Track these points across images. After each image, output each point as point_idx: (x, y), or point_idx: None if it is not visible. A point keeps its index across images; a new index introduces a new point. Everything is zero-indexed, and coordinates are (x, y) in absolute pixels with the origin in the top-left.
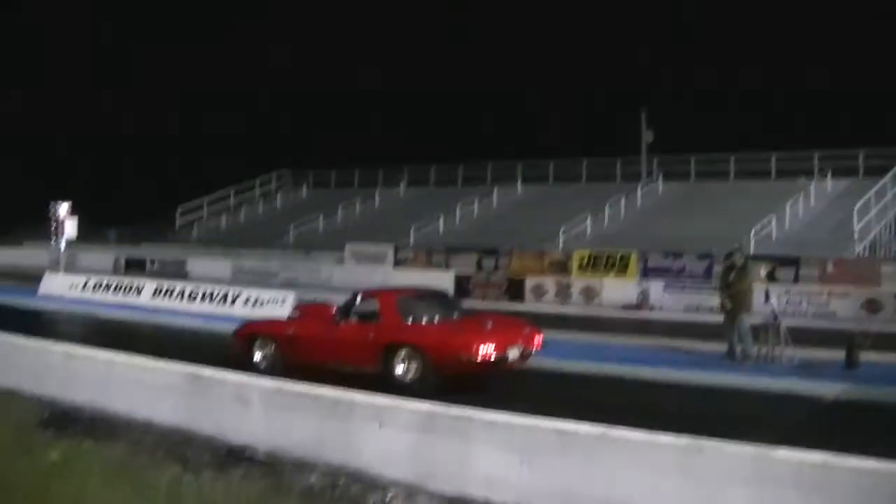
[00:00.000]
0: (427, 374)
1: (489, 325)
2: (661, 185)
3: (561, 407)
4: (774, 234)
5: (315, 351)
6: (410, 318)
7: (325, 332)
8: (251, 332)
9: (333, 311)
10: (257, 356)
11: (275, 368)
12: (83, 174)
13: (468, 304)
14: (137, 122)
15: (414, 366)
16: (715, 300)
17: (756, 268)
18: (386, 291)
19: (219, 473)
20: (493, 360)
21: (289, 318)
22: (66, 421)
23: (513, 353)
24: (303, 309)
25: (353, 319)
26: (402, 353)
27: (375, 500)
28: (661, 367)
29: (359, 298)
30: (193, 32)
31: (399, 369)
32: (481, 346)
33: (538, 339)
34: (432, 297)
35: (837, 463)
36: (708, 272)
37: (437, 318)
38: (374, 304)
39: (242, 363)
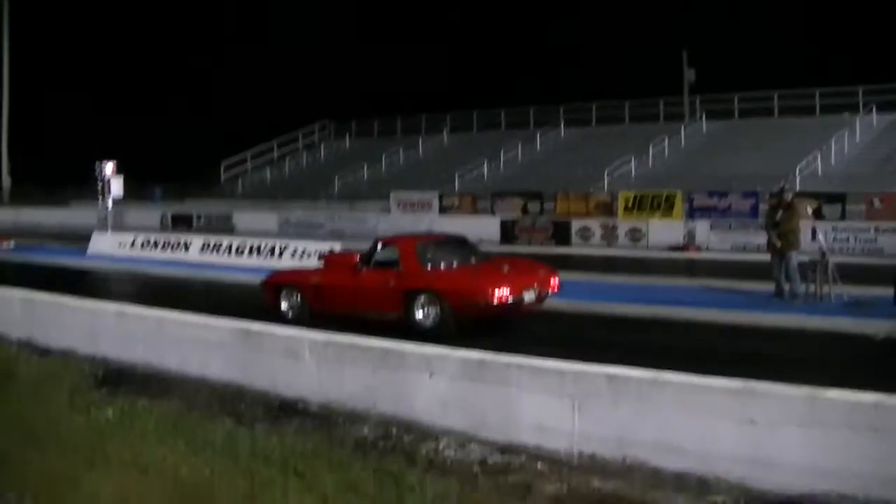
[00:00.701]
0: (446, 318)
1: (506, 269)
2: (704, 124)
3: (610, 351)
4: (820, 171)
5: (338, 299)
6: (429, 265)
7: (348, 281)
8: (277, 282)
9: (356, 260)
10: (284, 306)
11: (301, 318)
12: (128, 133)
13: (514, 249)
14: (179, 79)
15: (433, 311)
16: (761, 238)
17: (802, 205)
18: (405, 238)
19: (272, 427)
20: (509, 302)
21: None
22: (120, 379)
23: (529, 296)
24: (327, 258)
25: (375, 267)
26: (422, 298)
27: (428, 450)
28: (708, 307)
29: (379, 246)
30: None
31: (419, 314)
32: (497, 290)
33: (554, 281)
34: (451, 242)
35: (890, 403)
36: (754, 210)
37: (455, 263)
38: (393, 252)
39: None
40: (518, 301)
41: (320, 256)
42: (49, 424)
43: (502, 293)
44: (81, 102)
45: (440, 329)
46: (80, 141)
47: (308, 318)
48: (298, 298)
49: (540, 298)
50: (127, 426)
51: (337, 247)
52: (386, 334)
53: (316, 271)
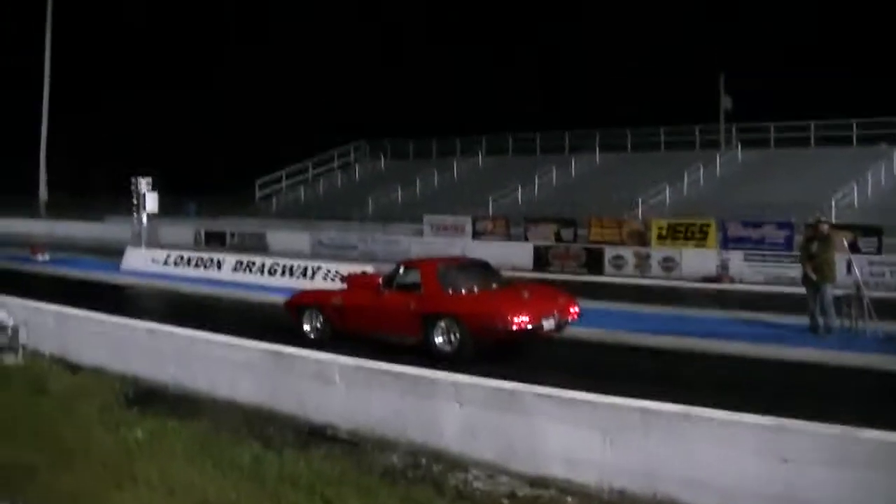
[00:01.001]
0: (465, 342)
1: (526, 295)
2: (739, 152)
3: (640, 382)
4: (856, 202)
5: (360, 321)
6: (450, 289)
7: (370, 302)
8: (300, 303)
9: (378, 282)
10: (306, 326)
11: (323, 338)
12: (163, 149)
13: (547, 276)
14: (215, 97)
15: (452, 335)
16: (796, 270)
17: (838, 237)
18: (427, 262)
19: (301, 451)
20: (528, 328)
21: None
22: (150, 398)
23: (548, 323)
24: (350, 279)
25: (397, 290)
26: (442, 322)
27: (457, 481)
28: (741, 340)
29: (401, 269)
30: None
31: (439, 338)
32: (516, 316)
33: (574, 309)
34: (473, 267)
35: None
36: (788, 241)
37: (476, 287)
38: (415, 275)
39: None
40: (537, 327)
41: (342, 278)
42: (78, 441)
43: (521, 319)
44: (119, 116)
45: (459, 353)
46: (116, 155)
47: (329, 339)
48: (321, 319)
49: (559, 326)
50: (155, 446)
51: (369, 269)
52: (409, 358)
53: (339, 292)
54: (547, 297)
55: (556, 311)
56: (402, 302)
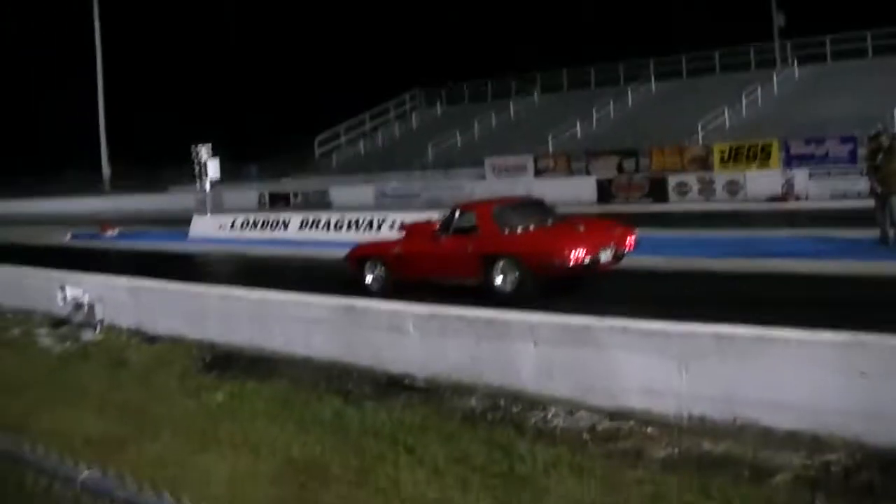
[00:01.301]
0: (525, 281)
1: (581, 229)
2: (796, 69)
3: (713, 307)
4: None
5: (419, 267)
6: (506, 229)
7: (428, 248)
8: (361, 255)
9: (436, 228)
10: (368, 278)
11: (385, 289)
12: (220, 114)
13: (611, 208)
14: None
15: (512, 274)
16: (863, 184)
17: None
18: (482, 204)
19: (380, 403)
20: (585, 262)
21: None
22: (227, 362)
23: (605, 255)
24: (408, 228)
25: (454, 234)
26: (500, 263)
27: (536, 419)
28: (811, 258)
29: (457, 213)
30: None
31: (498, 279)
32: (573, 250)
33: (631, 239)
34: (528, 205)
35: None
36: (853, 156)
37: (531, 226)
38: (471, 218)
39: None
40: (595, 260)
41: (401, 226)
42: (161, 409)
43: (578, 253)
44: (175, 86)
45: (520, 292)
46: (175, 124)
47: (392, 288)
48: (381, 269)
49: (616, 257)
50: (237, 408)
51: (434, 216)
52: (469, 300)
53: (397, 241)
54: (603, 229)
55: (612, 243)
56: (459, 245)
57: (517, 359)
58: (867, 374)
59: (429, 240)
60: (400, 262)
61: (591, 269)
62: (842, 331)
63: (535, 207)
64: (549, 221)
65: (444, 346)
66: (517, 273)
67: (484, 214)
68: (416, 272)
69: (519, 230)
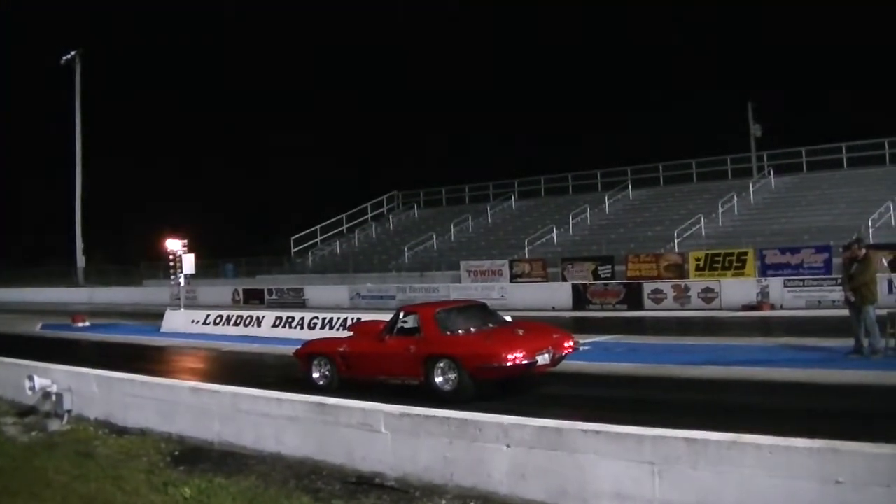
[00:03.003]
0: (465, 381)
1: (520, 333)
2: (772, 179)
3: (688, 414)
4: (894, 221)
5: (365, 366)
6: (448, 331)
7: (373, 348)
8: (309, 352)
9: (381, 328)
10: (315, 374)
11: (331, 385)
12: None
13: (587, 314)
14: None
15: (452, 375)
16: (837, 294)
17: (877, 257)
18: (425, 306)
19: (349, 502)
20: (523, 364)
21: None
22: (196, 457)
23: (542, 359)
24: (354, 327)
25: (398, 334)
26: (441, 363)
27: None
28: (786, 366)
29: (401, 315)
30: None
31: (439, 379)
32: (510, 353)
33: (568, 343)
34: (470, 309)
35: None
36: (827, 265)
37: (472, 329)
38: (415, 320)
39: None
40: (531, 363)
41: (348, 325)
42: (128, 503)
43: (515, 356)
44: (152, 183)
45: (459, 392)
46: (151, 220)
47: (337, 385)
48: (328, 366)
49: (554, 361)
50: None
51: (411, 318)
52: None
53: (344, 340)
54: (541, 333)
55: (550, 347)
56: (403, 346)
57: (490, 460)
58: (842, 483)
59: (374, 339)
60: (346, 360)
61: (529, 372)
62: (816, 438)
63: (477, 311)
64: (490, 325)
65: (416, 445)
66: (457, 374)
67: (427, 316)
68: (361, 370)
69: (460, 332)
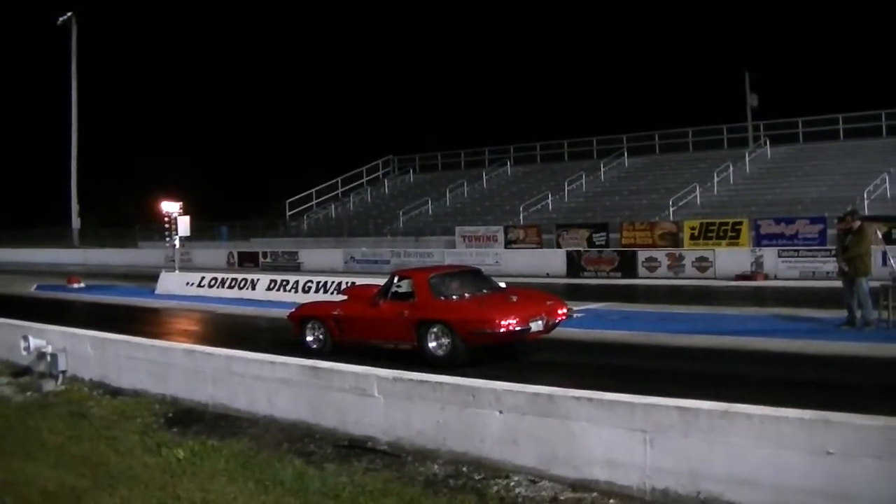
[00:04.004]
0: (457, 347)
1: (514, 300)
2: (769, 149)
3: (679, 383)
4: (889, 193)
5: (358, 330)
6: (441, 296)
7: (367, 312)
8: (302, 315)
9: (375, 292)
10: (309, 337)
11: (324, 349)
12: (193, 172)
13: (581, 281)
14: (243, 119)
15: (444, 340)
16: (831, 265)
17: (871, 229)
18: (419, 271)
19: (342, 465)
20: (515, 331)
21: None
22: (190, 419)
23: (536, 325)
24: (348, 291)
25: (392, 299)
26: (434, 328)
27: (499, 488)
28: (778, 337)
29: (395, 279)
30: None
31: (431, 344)
32: (504, 319)
33: (562, 311)
34: (464, 274)
35: None
36: (822, 236)
37: (466, 294)
38: (408, 284)
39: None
40: (524, 330)
41: (342, 289)
42: (121, 463)
43: (508, 322)
44: (147, 143)
45: (452, 357)
46: (147, 181)
47: (331, 349)
48: (322, 330)
49: (548, 327)
50: (197, 465)
51: (405, 283)
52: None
53: (338, 303)
54: (535, 300)
55: (543, 314)
56: (396, 310)
57: (482, 426)
58: (832, 454)
59: (368, 304)
60: (339, 323)
61: (522, 338)
62: (807, 409)
63: (471, 276)
64: (484, 291)
65: (408, 410)
66: (450, 339)
67: (420, 281)
68: (354, 334)
69: (454, 298)
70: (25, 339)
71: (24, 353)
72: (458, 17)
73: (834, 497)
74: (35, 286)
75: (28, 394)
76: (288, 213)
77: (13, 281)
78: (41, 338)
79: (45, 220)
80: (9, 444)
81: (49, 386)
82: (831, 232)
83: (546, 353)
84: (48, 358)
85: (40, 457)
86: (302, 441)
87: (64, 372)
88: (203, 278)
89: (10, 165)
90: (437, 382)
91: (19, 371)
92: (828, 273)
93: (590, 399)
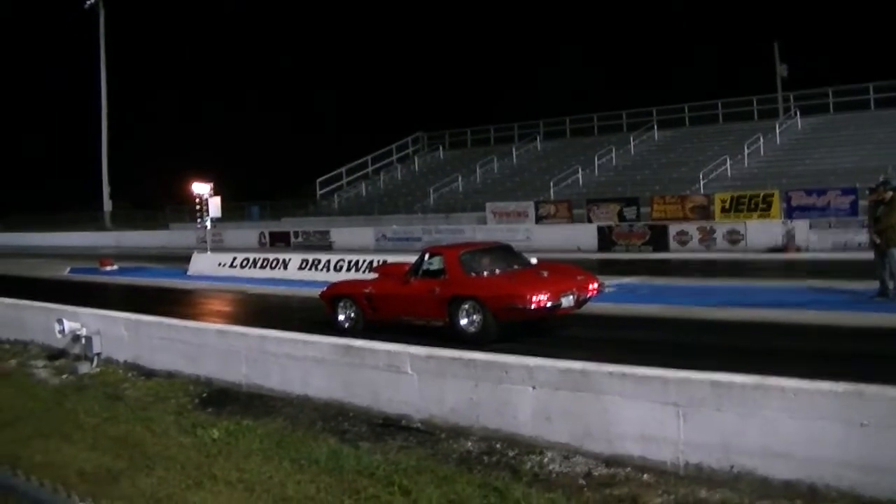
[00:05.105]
0: (488, 323)
1: (545, 275)
2: (799, 120)
3: (712, 356)
4: None
5: (389, 307)
6: (472, 273)
7: (398, 290)
8: (334, 294)
9: (406, 270)
10: (341, 316)
11: (356, 327)
12: (224, 153)
13: (612, 255)
14: (273, 98)
15: (476, 316)
16: (863, 236)
17: None
18: (450, 248)
19: (376, 443)
20: (547, 306)
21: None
22: (224, 399)
23: (567, 301)
24: (380, 269)
25: (423, 276)
26: (465, 305)
27: (532, 464)
28: (810, 309)
29: (426, 256)
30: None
31: (463, 320)
32: (535, 295)
33: (593, 286)
34: (495, 250)
35: None
36: (854, 207)
37: (496, 270)
38: (439, 261)
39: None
40: (556, 305)
41: (373, 267)
42: (156, 444)
43: (539, 298)
44: (178, 125)
45: (483, 333)
46: (177, 163)
47: (363, 327)
48: (354, 308)
49: (579, 303)
50: (232, 445)
51: (437, 259)
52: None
53: (369, 282)
54: (566, 275)
55: (574, 289)
56: (428, 287)
57: (515, 402)
58: (866, 426)
59: (399, 281)
60: (371, 301)
61: (553, 314)
62: (841, 381)
63: (501, 253)
64: (515, 267)
65: (441, 387)
66: (481, 315)
67: (451, 258)
68: (386, 312)
69: (485, 274)
70: (60, 322)
71: (59, 335)
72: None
73: (868, 469)
74: (68, 269)
75: (64, 376)
76: (318, 192)
77: (47, 264)
78: (76, 321)
79: (77, 203)
80: (46, 426)
81: (84, 368)
82: (863, 203)
83: (578, 329)
84: (83, 340)
85: (77, 438)
86: (336, 420)
87: (98, 354)
88: (235, 259)
89: (41, 149)
90: (469, 359)
91: (55, 354)
92: (860, 244)
93: (623, 374)
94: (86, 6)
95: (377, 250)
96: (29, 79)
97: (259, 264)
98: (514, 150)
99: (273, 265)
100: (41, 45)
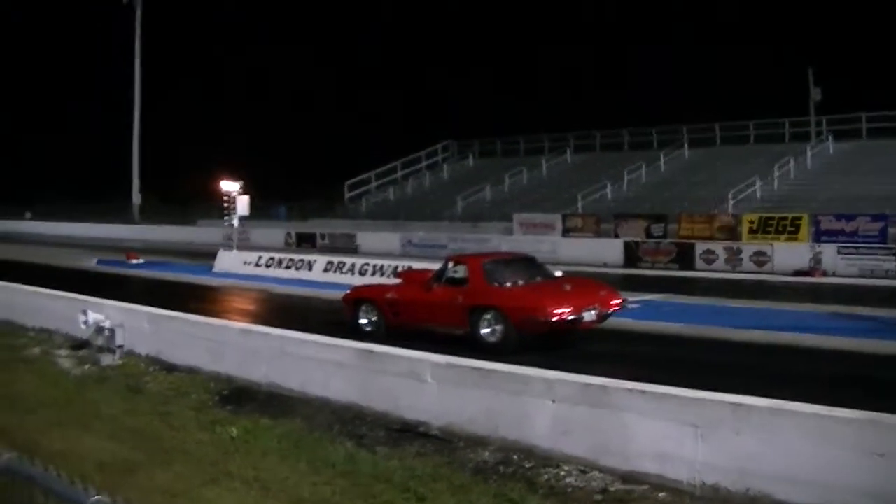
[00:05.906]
0: (509, 333)
1: (567, 288)
2: (831, 144)
3: (733, 377)
4: None
5: (411, 313)
6: (495, 283)
7: (420, 296)
8: (357, 297)
9: (429, 276)
10: (363, 320)
11: (377, 331)
12: (254, 151)
13: (638, 271)
14: (304, 99)
15: (497, 327)
16: (891, 263)
17: None
18: (474, 257)
19: (393, 449)
20: (568, 320)
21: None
22: (243, 398)
23: (589, 315)
24: (403, 275)
25: (445, 284)
26: (487, 315)
27: (549, 476)
28: (835, 335)
29: (450, 265)
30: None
31: (484, 330)
32: (556, 308)
33: (615, 301)
34: (518, 261)
35: None
36: (883, 234)
37: (519, 282)
38: (463, 270)
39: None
40: (577, 319)
41: (397, 273)
42: (174, 439)
43: (561, 311)
44: (210, 123)
45: (504, 344)
46: (207, 160)
47: (384, 333)
48: (375, 313)
49: (601, 317)
50: (250, 444)
51: (461, 268)
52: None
53: (392, 287)
54: (588, 289)
55: (597, 304)
56: (450, 295)
57: (534, 415)
58: (885, 455)
59: (422, 288)
60: (393, 307)
61: (575, 328)
62: (860, 409)
63: (525, 264)
64: (538, 279)
65: (461, 396)
66: (502, 326)
67: (475, 267)
68: (407, 318)
69: (507, 285)
70: (84, 313)
71: (83, 326)
72: (520, 2)
73: (884, 499)
74: (96, 260)
75: (86, 367)
76: (347, 195)
77: (76, 255)
78: (100, 312)
79: (107, 195)
80: (67, 415)
81: (107, 360)
82: (893, 230)
83: (599, 344)
84: (106, 332)
85: (97, 429)
86: (353, 423)
87: (121, 346)
88: (260, 258)
89: (72, 141)
90: (489, 370)
91: (78, 344)
92: (887, 271)
93: (642, 391)
94: (124, 2)
95: (403, 256)
96: (65, 71)
97: (284, 264)
98: (543, 161)
99: (298, 266)
100: (76, 36)
